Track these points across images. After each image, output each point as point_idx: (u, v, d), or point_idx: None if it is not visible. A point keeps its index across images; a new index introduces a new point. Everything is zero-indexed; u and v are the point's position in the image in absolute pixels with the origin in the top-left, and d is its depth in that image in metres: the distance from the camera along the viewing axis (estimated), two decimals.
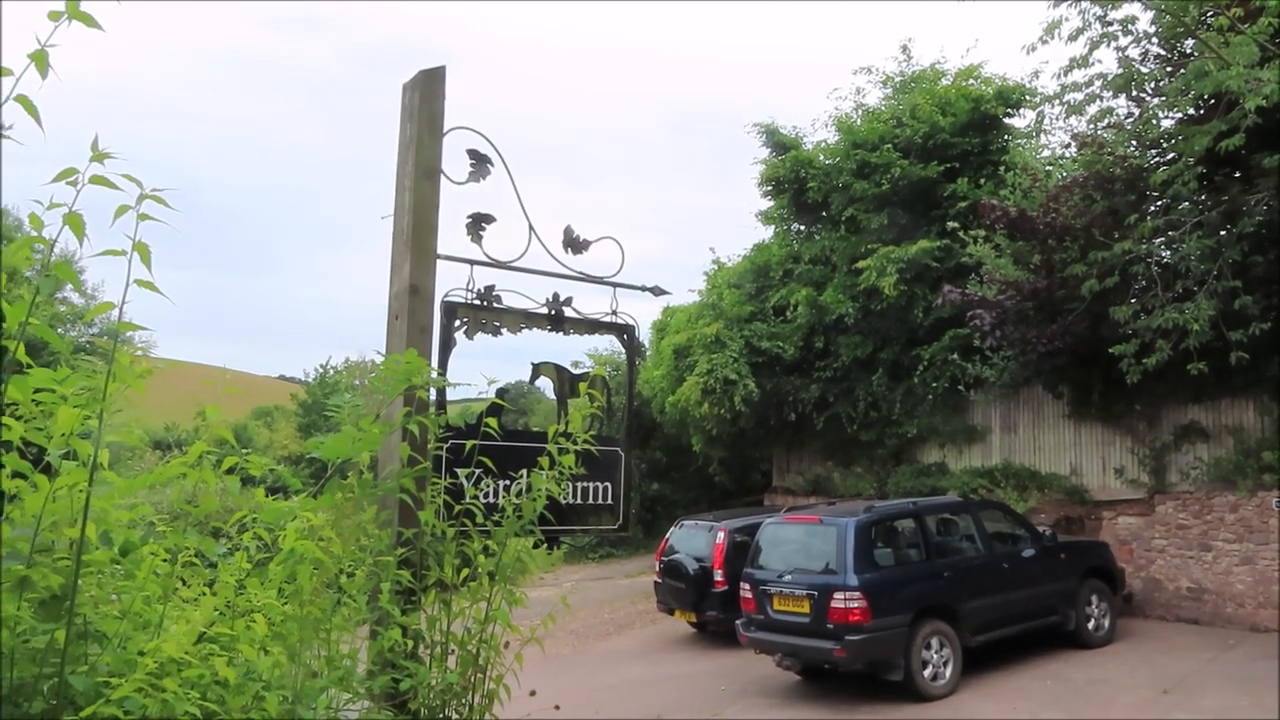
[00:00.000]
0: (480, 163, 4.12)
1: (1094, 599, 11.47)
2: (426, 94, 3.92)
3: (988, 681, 10.16)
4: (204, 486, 2.49)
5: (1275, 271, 11.12)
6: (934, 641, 9.89)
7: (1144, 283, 11.60)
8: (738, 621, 10.97)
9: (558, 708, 8.58)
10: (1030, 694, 9.74)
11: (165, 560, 2.53)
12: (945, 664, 9.93)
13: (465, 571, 3.30)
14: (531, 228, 4.12)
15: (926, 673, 9.78)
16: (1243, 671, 10.00)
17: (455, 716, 3.18)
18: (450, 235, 4.05)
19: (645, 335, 22.20)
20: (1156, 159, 12.24)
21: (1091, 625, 11.37)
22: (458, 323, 3.92)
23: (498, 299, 4.08)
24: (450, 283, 3.97)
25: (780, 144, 18.54)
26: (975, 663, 10.31)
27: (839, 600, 9.60)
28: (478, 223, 4.07)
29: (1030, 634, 10.93)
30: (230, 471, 2.57)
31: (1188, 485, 12.97)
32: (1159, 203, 12.09)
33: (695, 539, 13.92)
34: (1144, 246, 11.53)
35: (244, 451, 2.61)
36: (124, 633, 2.34)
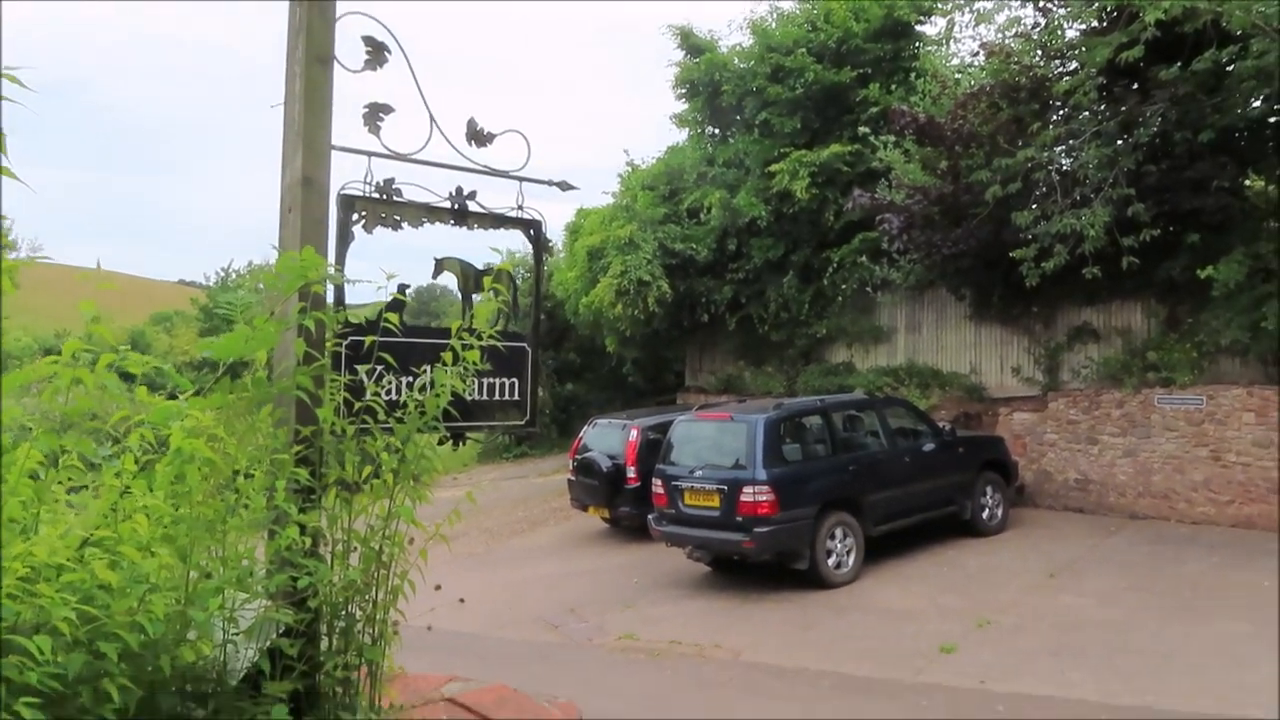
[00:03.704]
0: (377, 50, 3.89)
1: (989, 490, 12.06)
2: None
3: (887, 568, 10.65)
4: (80, 386, 2.36)
5: (1167, 180, 11.50)
6: (838, 532, 10.29)
7: (1044, 189, 11.88)
8: (649, 516, 11.21)
9: (462, 600, 8.71)
10: (928, 579, 10.26)
11: (42, 463, 2.41)
12: (848, 553, 10.36)
13: (368, 470, 3.24)
14: (433, 118, 3.94)
15: (830, 561, 10.19)
16: (1122, 556, 10.70)
17: (358, 613, 3.17)
18: (346, 128, 3.85)
19: (558, 237, 21.99)
20: (1060, 69, 12.40)
21: (986, 515, 11.96)
22: (355, 216, 3.76)
23: (398, 192, 3.92)
24: (347, 177, 3.80)
25: (695, 47, 18.24)
26: (876, 551, 10.77)
27: (748, 494, 9.86)
28: (375, 113, 3.87)
29: (928, 523, 11.45)
30: (110, 370, 2.44)
31: (1078, 383, 13.60)
32: (1061, 112, 12.32)
33: (608, 437, 14.09)
34: (1045, 154, 11.78)
35: (123, 348, 2.48)
36: None
